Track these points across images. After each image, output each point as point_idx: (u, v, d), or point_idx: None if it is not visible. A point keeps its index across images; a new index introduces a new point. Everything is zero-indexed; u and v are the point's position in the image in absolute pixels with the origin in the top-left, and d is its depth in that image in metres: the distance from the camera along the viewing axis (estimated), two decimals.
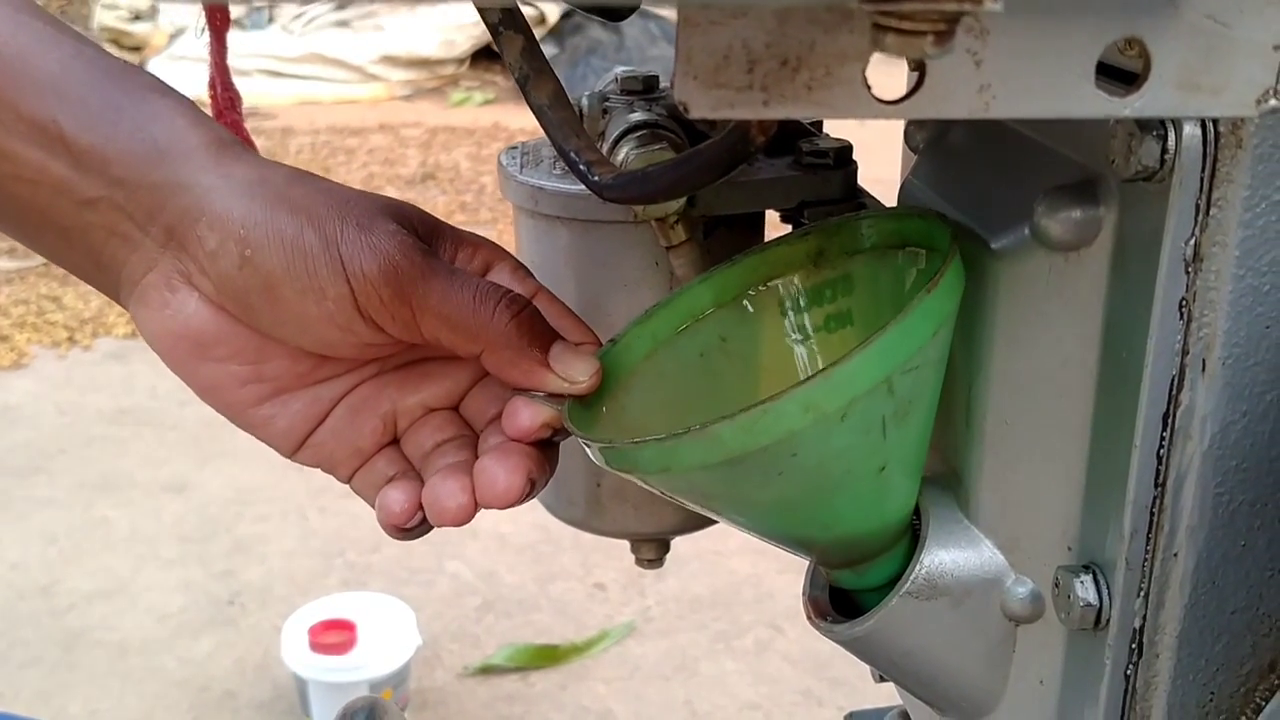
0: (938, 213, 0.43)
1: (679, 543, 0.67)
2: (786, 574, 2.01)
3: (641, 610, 2.03)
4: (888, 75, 0.32)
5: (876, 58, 0.27)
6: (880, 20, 0.24)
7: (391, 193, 3.83)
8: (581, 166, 0.43)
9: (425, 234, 0.47)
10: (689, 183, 0.38)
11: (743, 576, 2.05)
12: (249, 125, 0.63)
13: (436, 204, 3.71)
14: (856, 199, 0.59)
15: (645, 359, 0.47)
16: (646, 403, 0.47)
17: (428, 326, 0.44)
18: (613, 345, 0.47)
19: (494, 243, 0.50)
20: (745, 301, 0.48)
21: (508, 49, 0.44)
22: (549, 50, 4.76)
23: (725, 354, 0.48)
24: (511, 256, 0.50)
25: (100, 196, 0.44)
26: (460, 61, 5.27)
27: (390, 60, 5.06)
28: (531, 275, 0.50)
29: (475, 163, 4.25)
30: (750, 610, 2.02)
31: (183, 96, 0.47)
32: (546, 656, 1.93)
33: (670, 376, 0.47)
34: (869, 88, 0.30)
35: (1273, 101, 0.31)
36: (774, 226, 0.58)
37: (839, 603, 0.49)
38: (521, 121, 4.63)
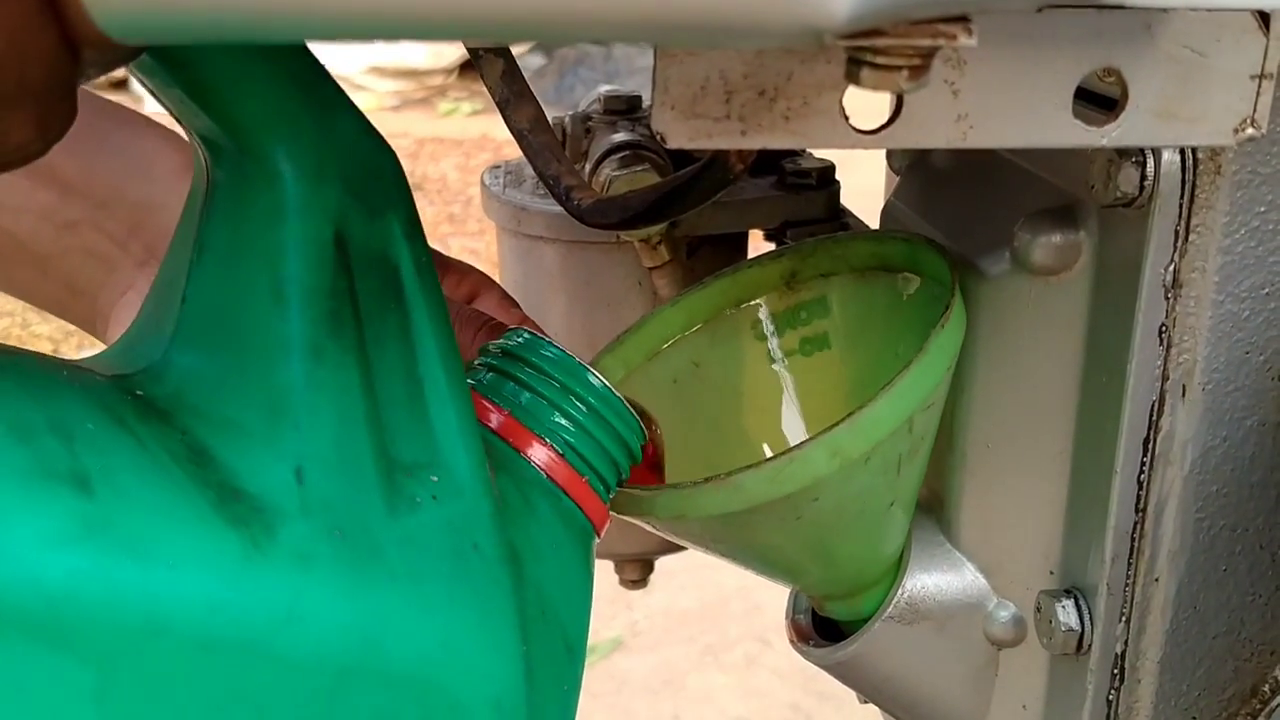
0: (923, 236, 0.43)
1: (666, 556, 0.67)
2: (775, 587, 2.00)
3: (629, 624, 2.02)
4: (867, 101, 0.32)
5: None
6: (855, 55, 0.24)
7: None
8: (561, 191, 0.43)
9: None
10: (668, 210, 0.38)
11: (731, 590, 2.05)
12: None
13: (424, 215, 3.70)
14: (839, 219, 0.59)
15: (618, 387, 0.46)
16: None
17: None
18: None
19: (481, 271, 0.49)
20: (718, 325, 0.48)
21: (488, 72, 0.44)
22: (538, 61, 4.76)
23: (699, 379, 0.48)
24: (498, 286, 0.50)
25: (81, 219, 0.45)
26: (448, 72, 5.27)
27: (378, 70, 5.06)
28: (518, 306, 0.49)
29: (463, 173, 4.24)
30: (738, 624, 2.02)
31: (168, 128, 0.47)
32: None
33: (643, 403, 0.47)
34: (846, 118, 0.30)
35: (1250, 130, 0.31)
36: (758, 246, 0.58)
37: (822, 626, 0.48)
38: (510, 133, 4.61)
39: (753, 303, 0.48)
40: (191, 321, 0.26)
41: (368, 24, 0.17)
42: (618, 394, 0.34)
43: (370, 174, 0.27)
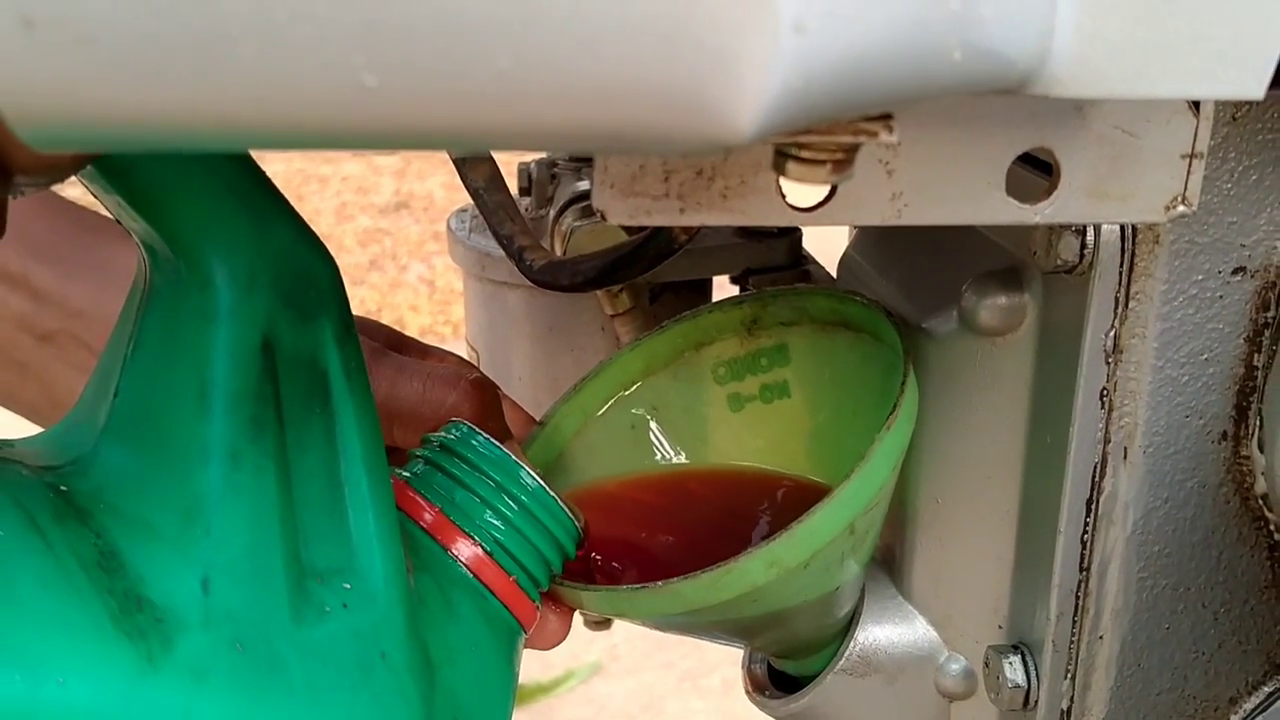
0: (883, 307, 0.43)
1: None
2: None
3: (608, 649, 2.02)
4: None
5: None
6: (780, 149, 0.24)
7: (364, 221, 3.82)
8: (515, 251, 0.44)
9: (389, 344, 0.46)
10: (614, 276, 0.38)
11: None
12: None
13: (410, 233, 3.71)
14: (802, 265, 0.59)
15: (575, 436, 0.46)
16: (578, 484, 0.46)
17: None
18: (541, 429, 0.45)
19: (461, 357, 0.49)
20: (678, 368, 0.47)
21: None
22: None
23: (658, 424, 0.48)
24: (477, 369, 0.50)
25: (59, 329, 0.45)
26: None
27: None
28: (496, 387, 0.49)
29: (450, 192, 4.24)
30: (717, 649, 2.01)
31: None
32: None
33: (600, 453, 0.46)
34: (784, 195, 0.30)
35: (1181, 208, 0.32)
36: (723, 292, 0.58)
37: (776, 676, 0.49)
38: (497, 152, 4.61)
39: (713, 346, 0.47)
40: (121, 416, 0.26)
41: (278, 137, 0.18)
42: (551, 492, 0.35)
43: (304, 280, 0.27)
